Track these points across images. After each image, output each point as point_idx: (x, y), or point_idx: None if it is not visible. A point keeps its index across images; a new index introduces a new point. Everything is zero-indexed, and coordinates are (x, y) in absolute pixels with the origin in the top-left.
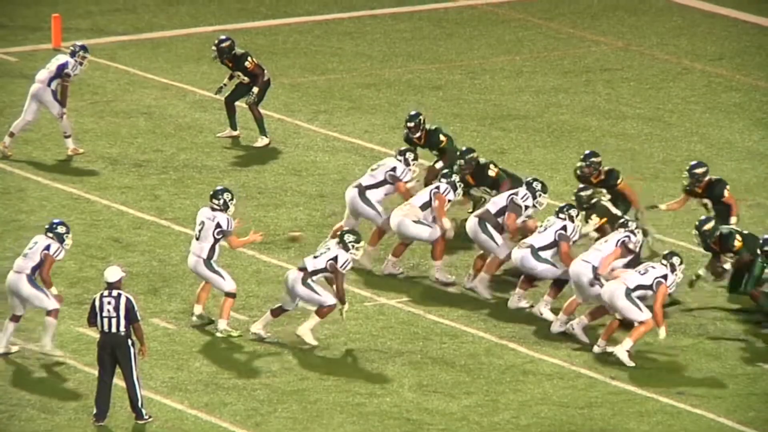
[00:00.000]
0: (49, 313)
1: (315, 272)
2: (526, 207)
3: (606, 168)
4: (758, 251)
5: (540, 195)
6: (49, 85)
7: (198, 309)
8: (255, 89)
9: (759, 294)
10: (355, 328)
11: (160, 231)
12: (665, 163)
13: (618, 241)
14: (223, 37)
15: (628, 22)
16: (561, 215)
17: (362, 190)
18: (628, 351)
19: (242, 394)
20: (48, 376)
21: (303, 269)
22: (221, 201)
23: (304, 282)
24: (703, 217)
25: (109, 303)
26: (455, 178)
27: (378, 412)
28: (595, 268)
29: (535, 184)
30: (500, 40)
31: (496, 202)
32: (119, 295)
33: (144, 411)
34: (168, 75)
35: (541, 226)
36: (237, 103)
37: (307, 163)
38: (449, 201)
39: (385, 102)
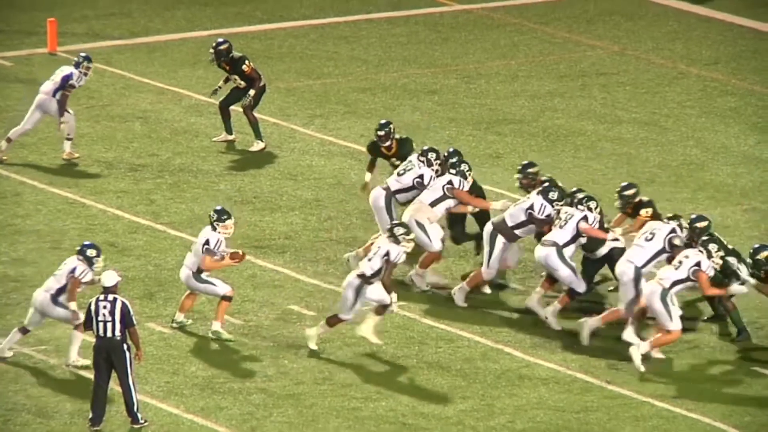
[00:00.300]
0: (75, 327)
1: (374, 275)
2: (549, 216)
3: (543, 178)
4: None
5: (557, 204)
6: (54, 95)
7: (179, 316)
8: (251, 92)
9: (733, 307)
10: (350, 332)
11: (156, 235)
12: (661, 167)
13: (666, 238)
14: (220, 39)
15: (624, 27)
16: (580, 206)
17: (390, 194)
18: (643, 354)
19: (238, 398)
20: (43, 380)
21: (362, 275)
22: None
23: (362, 286)
24: (756, 245)
25: (104, 307)
26: (464, 167)
27: (374, 416)
28: (638, 269)
29: (551, 194)
30: (496, 45)
31: (514, 216)
32: (115, 299)
33: (140, 415)
34: (164, 79)
35: (560, 219)
36: (232, 108)
37: (303, 168)
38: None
39: (381, 106)
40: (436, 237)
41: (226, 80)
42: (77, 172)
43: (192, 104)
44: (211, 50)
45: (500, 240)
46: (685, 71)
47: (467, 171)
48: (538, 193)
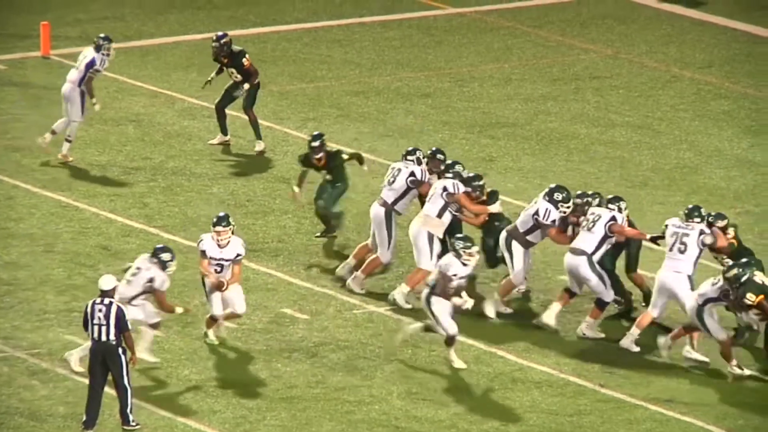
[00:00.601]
0: (152, 325)
1: (433, 287)
2: (554, 221)
3: (489, 190)
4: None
5: (561, 206)
6: (79, 85)
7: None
8: (246, 86)
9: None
10: (344, 335)
11: (149, 239)
12: (654, 170)
13: (700, 241)
14: (221, 33)
15: (617, 30)
16: (611, 205)
17: (389, 208)
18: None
19: (231, 401)
20: (36, 383)
21: (428, 286)
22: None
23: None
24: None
25: (100, 311)
26: (458, 168)
27: (367, 419)
28: (690, 278)
29: (556, 195)
30: (489, 48)
31: (524, 222)
32: (110, 303)
33: (131, 418)
34: (157, 83)
35: (587, 221)
36: (227, 110)
37: (296, 171)
38: (471, 197)
39: (374, 110)
40: (434, 254)
41: (219, 72)
42: (70, 175)
43: (185, 107)
44: (214, 43)
45: (516, 245)
46: (679, 74)
47: (463, 171)
48: (544, 197)
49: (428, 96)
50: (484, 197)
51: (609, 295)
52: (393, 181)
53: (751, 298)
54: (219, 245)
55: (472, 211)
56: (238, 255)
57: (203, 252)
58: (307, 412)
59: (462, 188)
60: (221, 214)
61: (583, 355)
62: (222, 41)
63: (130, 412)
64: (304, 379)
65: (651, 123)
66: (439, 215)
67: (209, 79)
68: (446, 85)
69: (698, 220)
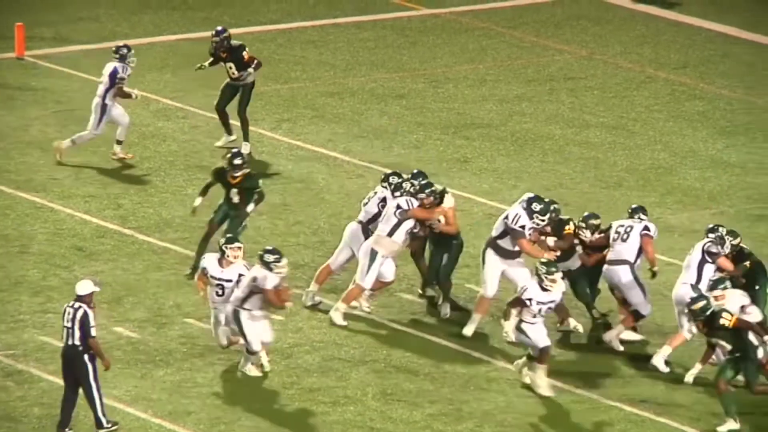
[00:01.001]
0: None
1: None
2: (522, 227)
3: (440, 192)
4: None
5: (537, 216)
6: (104, 98)
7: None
8: (251, 69)
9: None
10: (318, 336)
11: (124, 240)
12: (629, 171)
13: (702, 250)
14: (220, 28)
15: (592, 31)
16: (642, 216)
17: (364, 227)
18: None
19: (206, 402)
20: (11, 384)
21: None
22: None
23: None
24: (694, 295)
25: (69, 314)
26: (406, 186)
27: (342, 420)
28: (693, 287)
29: (534, 205)
30: (464, 49)
31: (497, 227)
32: (79, 307)
33: (104, 419)
34: (131, 84)
35: (617, 234)
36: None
37: (271, 172)
38: (422, 205)
39: (349, 111)
40: (373, 273)
41: (213, 64)
42: (45, 176)
43: (160, 108)
44: (215, 38)
45: (489, 254)
46: (653, 75)
47: (417, 186)
48: (521, 203)
49: (403, 97)
50: (438, 200)
51: (646, 308)
52: (367, 203)
53: (727, 317)
54: (221, 265)
55: (429, 219)
56: (240, 275)
57: (204, 269)
58: (282, 413)
59: (415, 203)
60: (230, 235)
61: (558, 357)
62: (222, 35)
63: (103, 415)
64: (278, 380)
65: (625, 124)
66: (390, 234)
67: (201, 65)
68: (421, 86)
69: (712, 236)
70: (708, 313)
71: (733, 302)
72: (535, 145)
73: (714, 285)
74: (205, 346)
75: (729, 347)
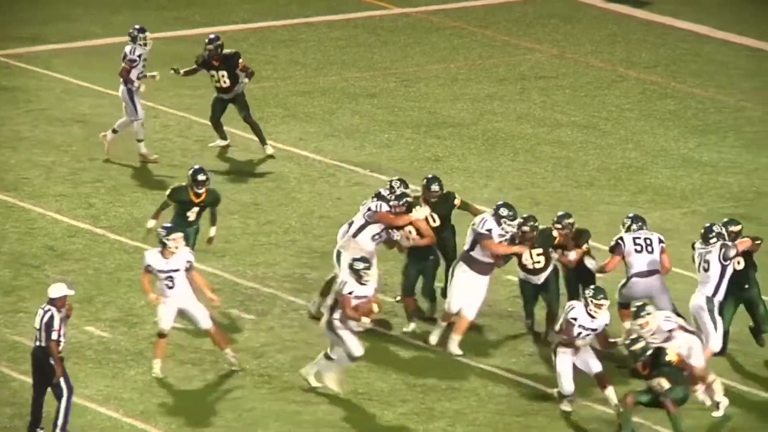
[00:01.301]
0: (350, 357)
1: None
2: (489, 230)
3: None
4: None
5: (505, 221)
6: (125, 84)
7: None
8: (246, 80)
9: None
10: (290, 336)
11: (95, 239)
12: (600, 170)
13: (720, 257)
14: (213, 36)
15: (563, 30)
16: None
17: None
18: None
19: (177, 402)
20: None
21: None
22: None
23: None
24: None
25: (39, 316)
26: (381, 190)
27: (313, 420)
28: (709, 299)
29: (501, 210)
30: (435, 48)
31: (468, 237)
32: (48, 310)
33: (62, 423)
34: (103, 83)
35: (639, 242)
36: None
37: (242, 171)
38: (392, 212)
39: (320, 110)
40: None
41: (191, 73)
42: (16, 175)
43: None
44: (209, 46)
45: (461, 269)
46: (625, 74)
47: (389, 194)
48: (490, 210)
49: (374, 96)
50: (406, 208)
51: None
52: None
53: (672, 356)
54: (164, 257)
55: (395, 224)
56: (188, 262)
57: (148, 266)
58: (254, 413)
59: (385, 207)
60: (169, 225)
61: (531, 356)
62: (216, 43)
63: (63, 426)
64: (250, 379)
65: (597, 123)
66: (355, 235)
67: (176, 69)
68: (392, 85)
69: (713, 240)
70: (649, 352)
71: (660, 328)
72: (507, 144)
73: (636, 313)
74: (176, 345)
75: (667, 386)
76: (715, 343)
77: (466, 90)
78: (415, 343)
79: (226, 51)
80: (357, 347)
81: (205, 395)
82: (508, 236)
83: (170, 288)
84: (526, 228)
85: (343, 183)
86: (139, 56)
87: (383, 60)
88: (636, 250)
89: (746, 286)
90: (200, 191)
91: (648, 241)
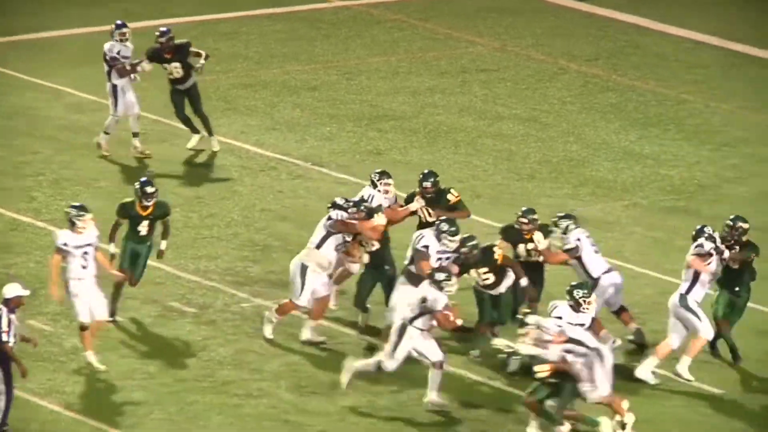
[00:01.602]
0: (434, 364)
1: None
2: (426, 247)
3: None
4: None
5: (445, 237)
6: (109, 80)
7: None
8: (202, 61)
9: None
10: (231, 329)
11: (37, 232)
12: (542, 163)
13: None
14: (164, 29)
15: (504, 23)
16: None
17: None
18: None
19: (119, 395)
20: None
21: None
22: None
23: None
24: None
25: None
26: (337, 199)
27: (255, 413)
28: (683, 296)
29: (442, 225)
30: (376, 41)
31: (407, 254)
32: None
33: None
34: (46, 77)
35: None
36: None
37: (184, 164)
38: (351, 218)
39: (261, 103)
40: (308, 289)
41: (134, 67)
42: None
43: (74, 102)
44: (161, 38)
45: (399, 282)
46: (566, 67)
47: (348, 202)
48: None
49: (315, 89)
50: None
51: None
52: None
53: (542, 370)
54: (76, 233)
55: (351, 231)
56: (98, 237)
57: (63, 246)
58: (195, 406)
59: (347, 214)
60: (78, 204)
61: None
62: (168, 35)
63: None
64: (192, 372)
65: (538, 116)
66: (318, 246)
67: (137, 61)
68: (333, 78)
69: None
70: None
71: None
72: (448, 137)
73: (522, 324)
74: (117, 339)
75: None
76: (706, 331)
77: (408, 83)
78: (356, 336)
79: (176, 41)
80: (435, 353)
81: (147, 389)
82: (448, 252)
83: (84, 268)
84: (464, 249)
85: (285, 176)
86: (119, 53)
87: (324, 53)
88: (595, 251)
89: (736, 289)
90: (148, 204)
91: (594, 240)
